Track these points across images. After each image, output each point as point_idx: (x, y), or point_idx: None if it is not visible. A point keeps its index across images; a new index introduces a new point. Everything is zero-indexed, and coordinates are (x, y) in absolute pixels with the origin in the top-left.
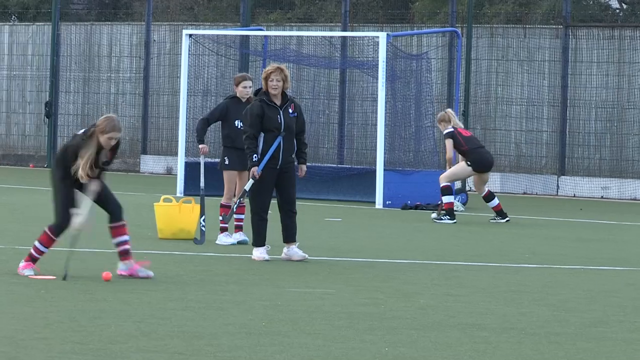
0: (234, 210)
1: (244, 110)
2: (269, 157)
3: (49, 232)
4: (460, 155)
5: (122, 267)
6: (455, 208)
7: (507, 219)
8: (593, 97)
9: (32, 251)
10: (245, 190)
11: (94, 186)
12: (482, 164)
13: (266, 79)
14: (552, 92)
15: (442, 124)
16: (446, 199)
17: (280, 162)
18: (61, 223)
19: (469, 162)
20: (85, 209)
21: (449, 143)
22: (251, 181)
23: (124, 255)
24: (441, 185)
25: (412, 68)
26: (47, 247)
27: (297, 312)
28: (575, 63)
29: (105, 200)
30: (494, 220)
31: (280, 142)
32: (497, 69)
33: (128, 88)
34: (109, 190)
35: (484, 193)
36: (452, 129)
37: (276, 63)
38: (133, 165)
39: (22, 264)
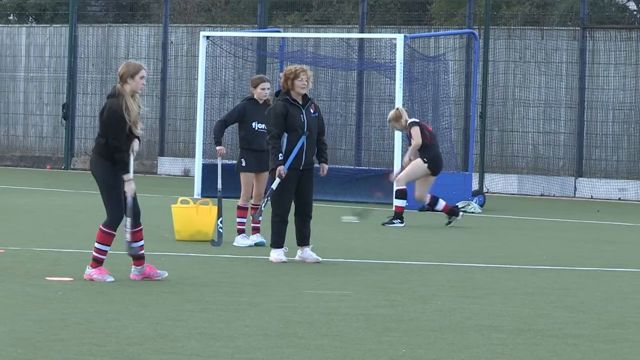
0: (262, 209)
1: (267, 111)
2: (293, 157)
3: (104, 229)
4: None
5: (134, 272)
6: (472, 210)
7: (460, 215)
8: (610, 98)
9: (95, 254)
10: (272, 189)
11: (136, 146)
12: (437, 164)
13: (294, 78)
14: (569, 94)
15: (397, 122)
16: (398, 202)
17: (303, 162)
18: (114, 218)
19: (425, 159)
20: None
21: (415, 131)
22: (278, 180)
23: (138, 259)
24: (397, 188)
25: (429, 70)
26: (108, 245)
27: (314, 313)
28: (592, 65)
29: (128, 201)
30: (450, 224)
31: (304, 142)
32: (515, 70)
33: (145, 90)
34: (135, 193)
35: (429, 200)
36: (417, 120)
37: (297, 65)
38: (150, 167)
39: (90, 270)
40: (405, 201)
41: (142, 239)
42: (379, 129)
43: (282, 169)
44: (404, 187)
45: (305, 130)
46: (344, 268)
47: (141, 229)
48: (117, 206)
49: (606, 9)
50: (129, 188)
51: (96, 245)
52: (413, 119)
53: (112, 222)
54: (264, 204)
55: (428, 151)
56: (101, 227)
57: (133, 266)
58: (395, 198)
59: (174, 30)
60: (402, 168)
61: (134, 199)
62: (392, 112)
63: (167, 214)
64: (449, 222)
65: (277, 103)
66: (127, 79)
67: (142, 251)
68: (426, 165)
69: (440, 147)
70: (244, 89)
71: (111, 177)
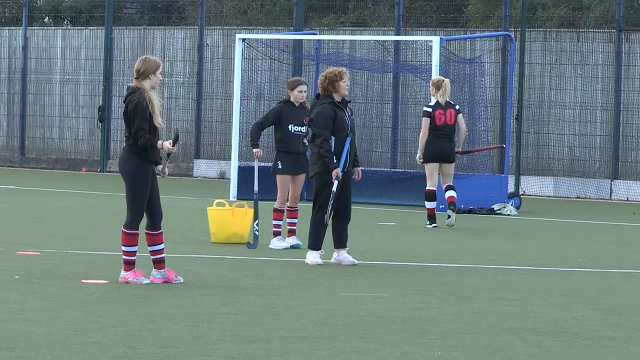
0: (330, 212)
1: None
2: (344, 158)
3: (127, 230)
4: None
5: (156, 275)
6: (508, 212)
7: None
8: None
9: (125, 257)
10: (333, 191)
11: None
12: (428, 153)
13: (339, 79)
14: (605, 96)
15: (435, 89)
16: (428, 204)
17: (347, 164)
18: (135, 217)
19: (421, 158)
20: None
21: (424, 121)
22: (336, 182)
23: (159, 263)
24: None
25: (465, 72)
26: (134, 245)
27: (350, 316)
28: (628, 67)
29: (152, 203)
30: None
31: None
32: (551, 73)
33: (181, 92)
34: (158, 195)
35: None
36: (430, 110)
37: (334, 67)
38: (186, 169)
39: (125, 274)
40: (434, 202)
41: (161, 242)
42: (415, 131)
43: (338, 171)
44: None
45: (348, 131)
46: (380, 270)
47: (161, 232)
48: (140, 204)
49: None
50: (167, 146)
51: (123, 248)
52: (427, 108)
53: (133, 222)
54: (330, 208)
55: (427, 144)
56: (123, 229)
57: (154, 269)
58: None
59: (210, 33)
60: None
61: (158, 202)
62: (440, 80)
63: (203, 216)
64: (431, 224)
65: (324, 106)
66: (149, 75)
67: (163, 255)
68: (422, 161)
69: (476, 146)
70: (279, 92)
71: (139, 173)
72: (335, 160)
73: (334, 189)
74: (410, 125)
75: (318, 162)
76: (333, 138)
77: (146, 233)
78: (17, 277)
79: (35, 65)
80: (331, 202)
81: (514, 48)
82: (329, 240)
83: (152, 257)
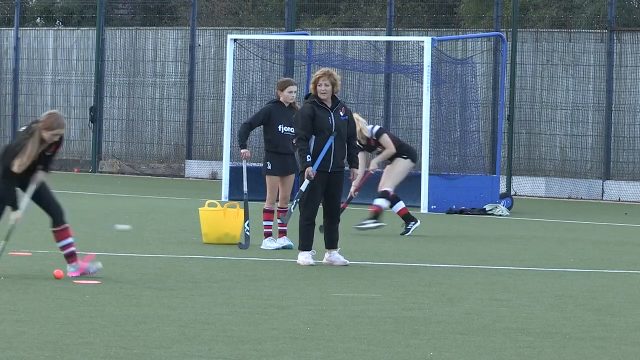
0: (291, 211)
1: (295, 113)
2: (321, 159)
3: None
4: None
5: (70, 269)
6: (500, 212)
7: (418, 222)
8: (638, 101)
9: None
10: (301, 190)
11: (40, 176)
12: (414, 152)
13: (315, 83)
14: (596, 97)
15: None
16: (380, 202)
17: (331, 165)
18: None
19: (405, 155)
20: (24, 205)
21: (385, 138)
22: (307, 182)
23: (71, 257)
24: (381, 190)
25: (457, 72)
26: None
27: (342, 316)
28: (619, 67)
29: (46, 203)
30: (408, 233)
31: (331, 144)
32: (542, 73)
33: (173, 93)
34: (50, 193)
35: (391, 196)
36: (380, 126)
37: (325, 67)
38: (178, 170)
39: None
40: (386, 200)
41: (70, 236)
42: (407, 132)
43: (310, 170)
44: (389, 189)
45: (333, 131)
46: (371, 271)
47: (67, 227)
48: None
49: (633, 11)
50: (40, 178)
51: None
52: (377, 127)
53: None
54: (293, 207)
55: (402, 149)
56: None
57: (68, 265)
58: (395, 204)
59: (202, 33)
60: (365, 174)
61: (50, 198)
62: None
63: (195, 217)
64: (407, 231)
65: (305, 105)
66: (43, 130)
67: (74, 248)
68: (408, 160)
69: (468, 149)
70: (271, 92)
71: (2, 183)
72: (309, 160)
73: (303, 188)
74: (401, 125)
75: (300, 160)
76: (314, 137)
77: (52, 231)
78: (5, 278)
79: (27, 66)
80: (296, 201)
81: (506, 48)
82: (320, 241)
83: (63, 252)
